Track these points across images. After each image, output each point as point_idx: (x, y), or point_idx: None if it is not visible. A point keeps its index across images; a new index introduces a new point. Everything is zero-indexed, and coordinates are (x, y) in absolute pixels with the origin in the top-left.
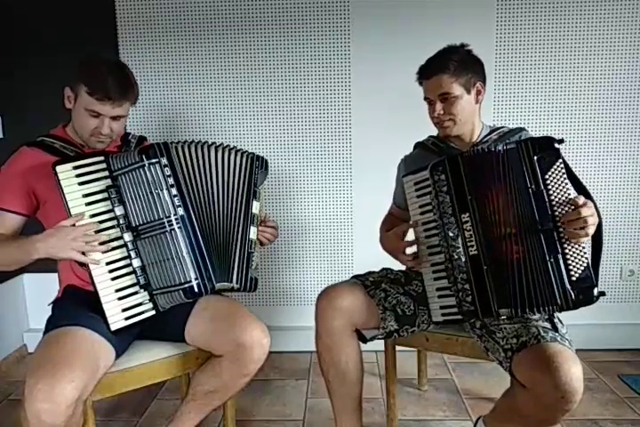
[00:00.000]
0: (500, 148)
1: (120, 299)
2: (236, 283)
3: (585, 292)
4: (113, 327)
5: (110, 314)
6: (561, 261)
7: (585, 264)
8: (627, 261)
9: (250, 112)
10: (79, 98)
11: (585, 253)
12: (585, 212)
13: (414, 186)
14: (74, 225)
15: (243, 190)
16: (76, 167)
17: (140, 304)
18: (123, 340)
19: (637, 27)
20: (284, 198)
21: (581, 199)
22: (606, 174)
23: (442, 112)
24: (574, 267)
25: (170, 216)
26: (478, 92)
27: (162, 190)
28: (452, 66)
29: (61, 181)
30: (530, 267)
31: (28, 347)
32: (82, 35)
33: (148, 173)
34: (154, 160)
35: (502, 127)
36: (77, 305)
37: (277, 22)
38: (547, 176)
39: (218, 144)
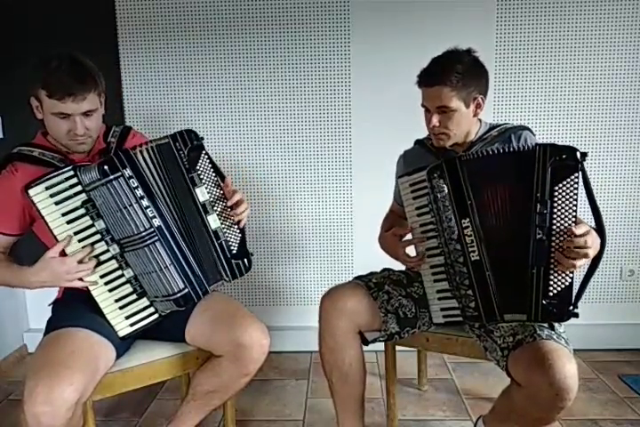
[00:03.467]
0: (508, 148)
1: (121, 308)
2: (226, 276)
3: (558, 309)
4: (120, 334)
5: (115, 323)
6: (542, 275)
7: (567, 283)
8: (627, 261)
9: (250, 112)
10: (43, 104)
11: (571, 271)
12: (584, 244)
13: (410, 187)
14: (63, 251)
15: (179, 184)
16: (48, 187)
17: (141, 310)
18: (124, 340)
19: (637, 27)
20: (284, 199)
21: (580, 230)
22: (606, 174)
23: (437, 124)
24: (555, 283)
25: (147, 229)
26: (478, 106)
27: (131, 205)
28: (455, 79)
29: (37, 204)
30: (513, 272)
31: (27, 347)
32: (82, 35)
33: (112, 188)
34: (117, 174)
35: (505, 124)
36: (77, 306)
37: (277, 22)
38: (556, 187)
39: (165, 137)
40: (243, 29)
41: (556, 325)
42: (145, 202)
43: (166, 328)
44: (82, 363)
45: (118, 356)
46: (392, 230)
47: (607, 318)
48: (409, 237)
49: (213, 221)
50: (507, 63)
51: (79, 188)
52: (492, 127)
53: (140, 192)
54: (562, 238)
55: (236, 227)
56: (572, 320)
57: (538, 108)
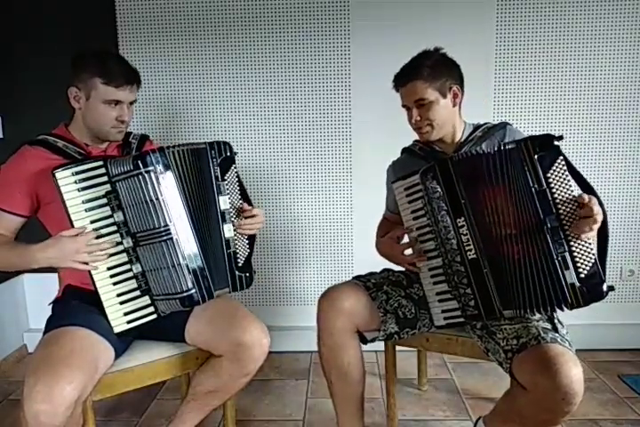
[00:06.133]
0: (491, 149)
1: (122, 303)
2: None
3: (595, 288)
4: (116, 330)
5: (112, 318)
6: (568, 259)
7: (592, 260)
8: (627, 261)
9: (250, 112)
10: (94, 92)
11: (592, 249)
12: (591, 211)
13: (404, 191)
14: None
15: (206, 189)
16: (75, 173)
17: (141, 308)
18: (122, 340)
19: (637, 26)
20: (284, 198)
21: (585, 197)
22: (606, 174)
23: (419, 118)
24: (582, 264)
25: (167, 225)
26: (455, 95)
27: (157, 199)
28: (426, 71)
29: (61, 188)
30: (536, 266)
31: (27, 347)
32: (82, 35)
33: (142, 181)
34: (150, 168)
35: (486, 123)
36: (77, 305)
37: (277, 22)
38: (548, 175)
39: (203, 143)
40: (242, 29)
41: (559, 326)
42: None
43: (166, 328)
44: (81, 362)
45: (117, 356)
46: (389, 234)
47: (607, 318)
48: (406, 239)
49: (228, 231)
50: (507, 63)
51: (105, 178)
52: (476, 128)
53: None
54: (571, 219)
55: (246, 242)
56: (573, 320)
57: (538, 107)
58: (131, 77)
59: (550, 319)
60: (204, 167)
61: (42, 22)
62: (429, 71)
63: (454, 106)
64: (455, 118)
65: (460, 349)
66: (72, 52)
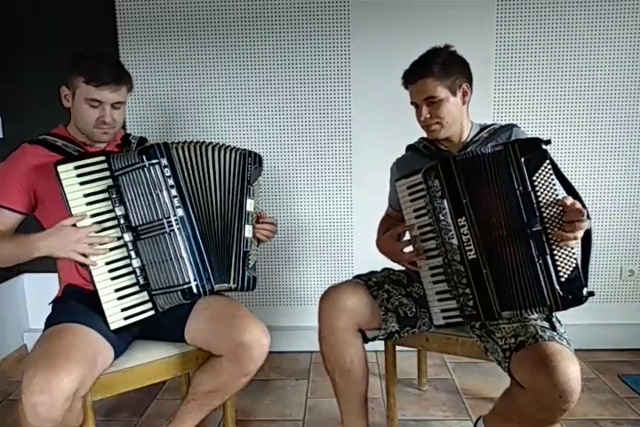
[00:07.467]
0: (488, 150)
1: (119, 299)
2: (233, 282)
3: (574, 292)
4: (112, 327)
5: (110, 313)
6: (549, 263)
7: (574, 265)
8: (627, 261)
9: (250, 112)
10: (77, 91)
11: (574, 253)
12: (574, 215)
13: (407, 190)
14: (75, 225)
15: (236, 189)
16: (77, 167)
17: (139, 304)
18: (122, 339)
19: (637, 26)
20: (284, 198)
21: (569, 200)
22: (606, 174)
23: (428, 116)
24: (563, 268)
25: (169, 217)
26: (464, 94)
27: (161, 191)
28: (436, 69)
29: (62, 181)
30: (523, 269)
31: (27, 347)
32: (82, 35)
33: (147, 173)
34: (154, 161)
35: (493, 124)
36: (77, 304)
37: (277, 22)
38: (534, 178)
39: (215, 144)
40: (242, 29)
41: (557, 325)
42: (173, 191)
43: (165, 328)
44: (81, 356)
45: (117, 356)
46: (389, 232)
47: (607, 318)
48: (407, 237)
49: (248, 231)
50: (507, 63)
51: (107, 173)
52: (483, 128)
53: (171, 181)
54: (554, 223)
55: (257, 247)
56: (573, 320)
57: (538, 108)
58: (113, 78)
59: (548, 318)
60: (241, 169)
61: (42, 22)
62: (440, 68)
63: (463, 104)
64: (463, 117)
65: (459, 349)
66: (72, 52)
